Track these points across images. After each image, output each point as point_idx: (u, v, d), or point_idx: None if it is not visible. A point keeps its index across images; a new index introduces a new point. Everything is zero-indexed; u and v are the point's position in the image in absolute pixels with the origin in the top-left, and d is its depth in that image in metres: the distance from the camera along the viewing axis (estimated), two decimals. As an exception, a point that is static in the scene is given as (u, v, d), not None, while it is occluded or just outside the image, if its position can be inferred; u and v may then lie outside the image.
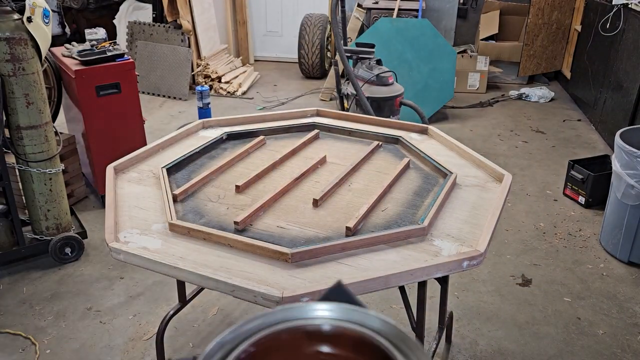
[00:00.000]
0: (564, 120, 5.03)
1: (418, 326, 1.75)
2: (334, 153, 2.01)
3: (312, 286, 1.28)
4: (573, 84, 5.49)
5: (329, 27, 6.09)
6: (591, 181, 3.38)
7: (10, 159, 2.70)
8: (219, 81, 5.77)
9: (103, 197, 3.28)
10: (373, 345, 0.34)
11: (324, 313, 0.35)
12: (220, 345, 0.35)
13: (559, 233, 3.21)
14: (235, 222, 1.52)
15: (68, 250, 2.84)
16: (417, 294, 1.69)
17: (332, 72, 5.25)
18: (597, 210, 3.41)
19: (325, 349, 0.35)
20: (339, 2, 3.78)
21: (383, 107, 3.63)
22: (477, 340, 2.36)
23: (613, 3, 4.40)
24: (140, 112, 3.42)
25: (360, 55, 3.83)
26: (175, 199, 1.66)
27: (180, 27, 5.33)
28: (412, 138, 2.12)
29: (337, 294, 0.41)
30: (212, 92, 5.64)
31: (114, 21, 5.96)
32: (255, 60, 6.97)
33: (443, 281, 1.89)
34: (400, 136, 2.10)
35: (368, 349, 0.34)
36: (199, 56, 5.67)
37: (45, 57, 2.89)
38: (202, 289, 2.17)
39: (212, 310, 2.53)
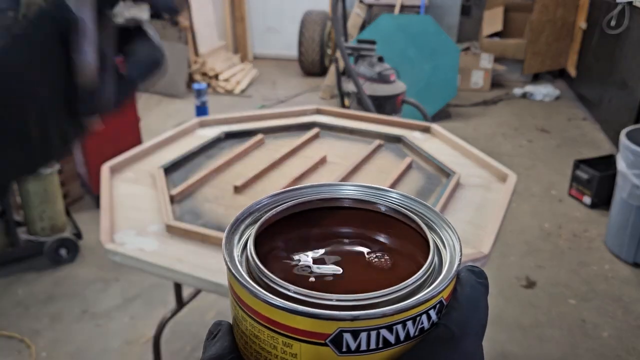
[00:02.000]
0: (569, 119, 4.98)
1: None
2: (334, 152, 1.96)
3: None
4: (578, 82, 5.44)
5: (329, 23, 6.04)
6: (597, 181, 3.33)
7: (5, 157, 2.67)
8: (217, 79, 5.72)
9: (98, 198, 3.24)
10: (396, 216, 0.36)
11: (349, 190, 0.38)
12: (248, 212, 0.36)
13: (563, 234, 3.16)
14: (233, 224, 1.48)
15: (63, 251, 2.80)
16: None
17: (332, 70, 5.21)
18: (602, 210, 3.36)
19: (351, 219, 0.38)
20: (340, -1, 3.74)
21: (385, 105, 3.59)
22: (480, 343, 2.32)
23: (617, 1, 4.35)
24: (136, 110, 3.38)
25: (361, 52, 3.79)
26: (172, 199, 1.62)
27: (177, 23, 5.29)
28: (415, 137, 2.07)
29: None
30: (210, 90, 5.60)
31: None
32: (254, 57, 6.93)
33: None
34: (402, 135, 2.06)
35: (388, 219, 0.37)
36: (196, 53, 5.62)
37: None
38: (200, 291, 2.14)
39: (210, 313, 2.49)
